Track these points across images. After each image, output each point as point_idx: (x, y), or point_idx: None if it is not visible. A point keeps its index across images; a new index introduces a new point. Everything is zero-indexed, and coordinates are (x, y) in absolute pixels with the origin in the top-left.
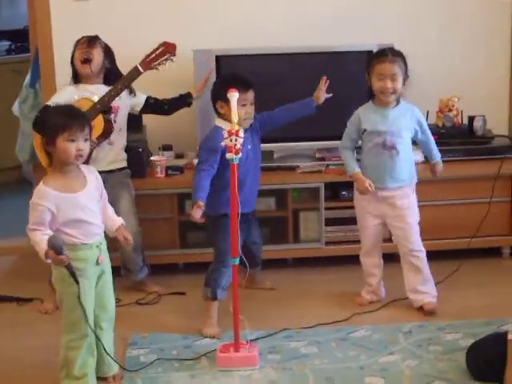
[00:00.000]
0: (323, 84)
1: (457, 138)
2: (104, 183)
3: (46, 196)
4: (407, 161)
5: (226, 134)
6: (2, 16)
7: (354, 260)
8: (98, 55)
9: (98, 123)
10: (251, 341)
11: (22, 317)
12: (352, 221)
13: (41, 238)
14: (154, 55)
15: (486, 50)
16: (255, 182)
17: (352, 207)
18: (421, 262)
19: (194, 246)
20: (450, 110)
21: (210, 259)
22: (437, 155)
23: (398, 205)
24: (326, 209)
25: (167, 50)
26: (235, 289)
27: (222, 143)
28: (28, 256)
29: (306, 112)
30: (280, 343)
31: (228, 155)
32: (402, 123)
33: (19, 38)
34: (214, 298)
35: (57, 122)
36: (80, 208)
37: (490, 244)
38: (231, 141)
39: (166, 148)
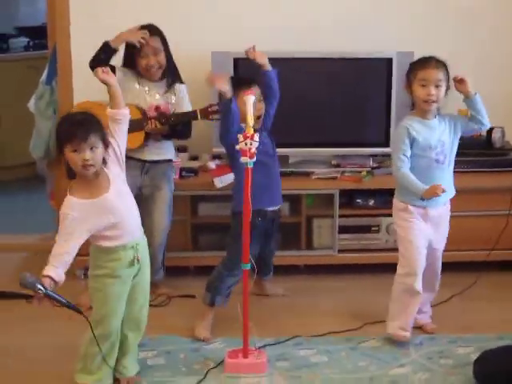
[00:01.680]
0: (252, 54)
1: (475, 149)
2: (146, 173)
3: (73, 205)
4: (452, 172)
5: (240, 138)
6: (20, 13)
7: (366, 269)
8: (163, 60)
9: (138, 137)
10: (260, 347)
11: (31, 314)
12: (366, 229)
13: (47, 268)
14: (215, 108)
15: (505, 62)
16: (272, 176)
17: (366, 215)
18: (438, 284)
19: (206, 249)
20: None
21: None
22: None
23: (441, 224)
24: (340, 216)
25: None
26: (246, 294)
27: (237, 147)
28: (40, 253)
29: (270, 81)
30: (289, 351)
31: (242, 159)
32: (448, 133)
33: (37, 35)
34: (211, 304)
35: (61, 133)
36: (108, 211)
37: (508, 257)
38: (246, 144)
39: (181, 149)
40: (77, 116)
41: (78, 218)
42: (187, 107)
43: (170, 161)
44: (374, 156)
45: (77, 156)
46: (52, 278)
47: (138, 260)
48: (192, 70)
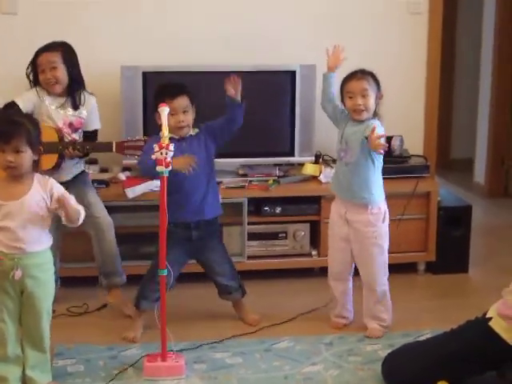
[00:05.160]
0: (229, 84)
1: None
2: (68, 189)
3: None
4: (362, 177)
5: (156, 148)
6: None
7: (274, 274)
8: (62, 75)
9: (51, 159)
10: (177, 351)
11: None
12: (273, 236)
13: None
14: (131, 144)
15: (403, 76)
16: (207, 190)
17: (273, 222)
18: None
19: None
20: None
21: (137, 272)
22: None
23: (360, 232)
24: (249, 224)
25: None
26: (163, 300)
27: (153, 156)
28: None
29: (235, 112)
30: (205, 353)
31: (158, 168)
32: (357, 138)
33: None
34: (136, 307)
35: None
36: (7, 215)
37: (406, 260)
38: (161, 154)
39: (91, 162)
40: (7, 117)
41: None
42: (96, 124)
43: (83, 172)
44: (279, 165)
45: (1, 156)
46: None
47: (13, 276)
48: (101, 85)
